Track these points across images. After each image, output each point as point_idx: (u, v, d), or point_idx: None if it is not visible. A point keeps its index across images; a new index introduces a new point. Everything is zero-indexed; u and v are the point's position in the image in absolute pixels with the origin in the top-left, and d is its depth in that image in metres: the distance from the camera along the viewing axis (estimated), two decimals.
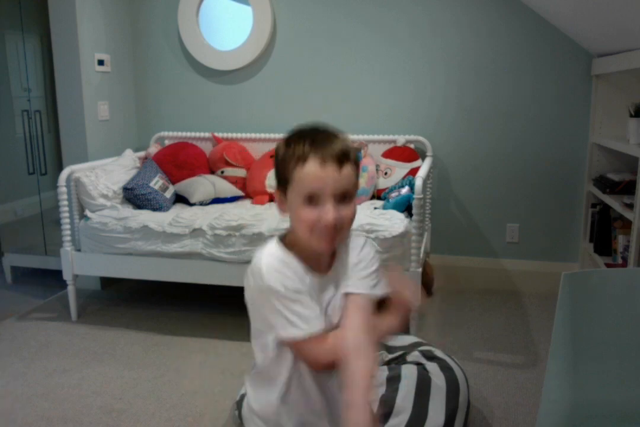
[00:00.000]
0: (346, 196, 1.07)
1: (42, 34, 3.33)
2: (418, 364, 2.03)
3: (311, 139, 1.03)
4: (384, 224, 2.58)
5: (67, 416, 2.10)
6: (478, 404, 2.15)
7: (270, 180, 3.22)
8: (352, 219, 1.11)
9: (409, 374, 1.94)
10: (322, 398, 1.14)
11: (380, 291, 1.17)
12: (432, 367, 2.02)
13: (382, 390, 1.90)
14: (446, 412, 1.83)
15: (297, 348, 1.07)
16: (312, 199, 1.03)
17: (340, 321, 1.05)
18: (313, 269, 1.08)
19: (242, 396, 1.98)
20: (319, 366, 1.07)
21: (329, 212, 1.02)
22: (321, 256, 1.09)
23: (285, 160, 1.05)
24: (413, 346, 2.21)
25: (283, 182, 1.07)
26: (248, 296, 1.15)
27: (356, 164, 1.09)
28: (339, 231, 1.06)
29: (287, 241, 1.08)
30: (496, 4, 3.17)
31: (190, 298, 3.28)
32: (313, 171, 1.00)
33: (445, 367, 2.02)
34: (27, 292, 3.44)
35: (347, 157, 1.05)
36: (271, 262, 1.08)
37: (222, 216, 2.76)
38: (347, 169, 1.04)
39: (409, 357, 2.11)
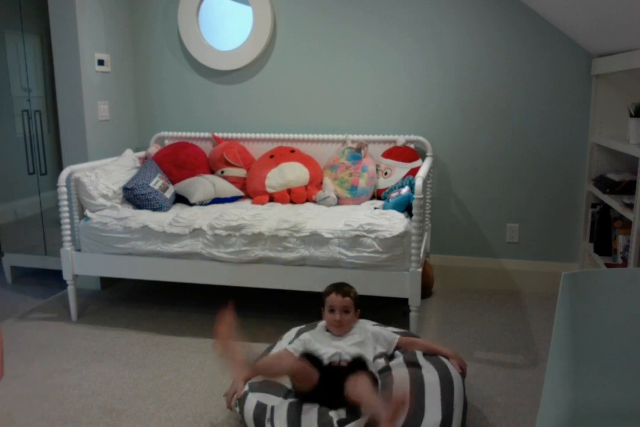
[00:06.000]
0: (346, 311, 2.10)
1: (42, 34, 3.33)
2: (411, 364, 2.04)
3: (335, 286, 2.17)
4: (384, 224, 2.58)
5: (67, 416, 2.10)
6: (478, 404, 2.15)
7: (270, 181, 3.22)
8: (349, 321, 2.13)
9: (400, 378, 1.96)
10: None
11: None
12: (427, 366, 2.02)
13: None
14: (442, 411, 1.83)
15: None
16: (331, 310, 2.11)
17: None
18: (334, 335, 2.13)
19: (245, 393, 1.98)
20: None
21: (337, 316, 2.09)
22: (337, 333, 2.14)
23: (324, 293, 2.16)
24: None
25: (323, 302, 2.15)
26: None
27: (355, 300, 2.15)
28: (342, 325, 2.11)
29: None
30: (496, 4, 3.17)
31: (190, 298, 3.28)
32: (332, 298, 2.12)
33: (440, 366, 2.03)
34: (27, 292, 3.44)
35: (349, 294, 2.13)
36: (310, 330, 2.25)
37: (222, 215, 2.76)
38: (347, 299, 2.11)
39: (407, 355, 2.13)
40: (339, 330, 2.10)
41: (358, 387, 1.78)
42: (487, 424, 2.03)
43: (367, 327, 2.18)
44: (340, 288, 2.13)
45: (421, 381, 1.94)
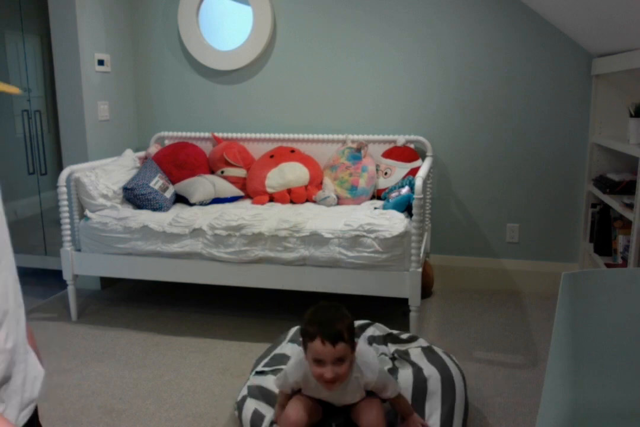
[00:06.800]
0: (341, 360, 1.55)
1: (42, 34, 3.33)
2: (414, 365, 2.04)
3: (319, 322, 1.56)
4: (384, 224, 2.58)
5: (67, 416, 2.10)
6: (478, 404, 2.15)
7: (270, 181, 3.22)
8: (346, 373, 1.59)
9: (404, 381, 1.96)
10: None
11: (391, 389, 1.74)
12: (428, 367, 2.02)
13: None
14: (442, 412, 1.84)
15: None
16: (318, 362, 1.56)
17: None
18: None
19: (244, 397, 1.98)
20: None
21: (327, 372, 1.55)
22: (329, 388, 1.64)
23: (305, 333, 1.59)
24: (413, 338, 2.27)
25: (305, 344, 1.61)
26: None
27: (350, 337, 1.58)
28: (337, 381, 1.58)
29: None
30: (496, 4, 3.17)
31: (190, 298, 3.28)
32: (318, 347, 1.54)
33: (441, 367, 2.03)
34: (27, 292, 3.43)
35: (342, 337, 1.54)
36: (295, 368, 1.72)
37: (222, 215, 2.76)
38: (341, 346, 1.54)
39: (411, 354, 2.13)
40: (332, 386, 1.60)
41: (368, 413, 1.69)
42: (487, 424, 2.03)
43: (364, 370, 1.70)
44: (329, 330, 1.53)
45: (423, 383, 1.94)
